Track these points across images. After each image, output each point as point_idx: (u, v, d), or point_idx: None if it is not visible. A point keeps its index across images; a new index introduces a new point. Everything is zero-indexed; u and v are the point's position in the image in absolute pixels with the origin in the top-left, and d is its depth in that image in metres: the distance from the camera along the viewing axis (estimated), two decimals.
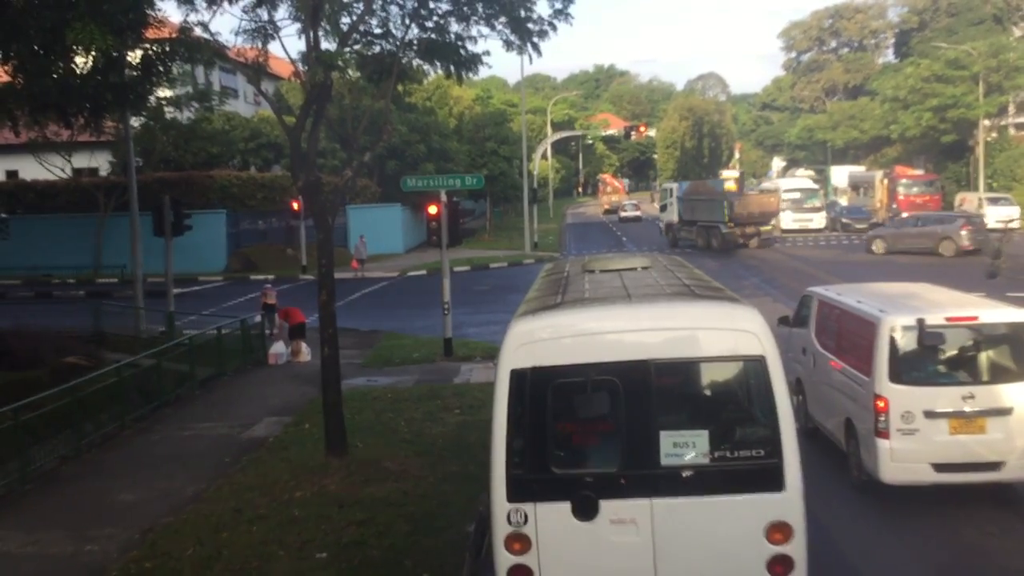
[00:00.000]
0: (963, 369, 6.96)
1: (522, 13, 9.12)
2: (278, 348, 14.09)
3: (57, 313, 16.91)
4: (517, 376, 4.46)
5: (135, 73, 11.54)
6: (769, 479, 4.37)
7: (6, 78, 11.45)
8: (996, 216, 31.60)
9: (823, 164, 53.76)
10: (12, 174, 31.18)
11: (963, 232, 24.06)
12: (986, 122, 40.22)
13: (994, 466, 6.75)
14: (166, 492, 7.99)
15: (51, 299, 22.15)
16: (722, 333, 4.54)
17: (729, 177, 71.07)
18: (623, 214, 48.36)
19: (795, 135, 63.66)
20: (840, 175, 45.53)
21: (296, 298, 17.08)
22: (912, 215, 28.49)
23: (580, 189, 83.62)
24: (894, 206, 34.83)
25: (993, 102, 39.44)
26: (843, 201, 40.76)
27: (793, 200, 36.27)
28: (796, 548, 4.38)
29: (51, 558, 6.67)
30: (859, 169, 46.45)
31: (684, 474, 4.40)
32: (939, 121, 40.47)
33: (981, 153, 39.04)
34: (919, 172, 39.74)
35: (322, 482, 7.85)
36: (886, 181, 36.69)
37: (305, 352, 13.93)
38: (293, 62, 8.98)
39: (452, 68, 9.33)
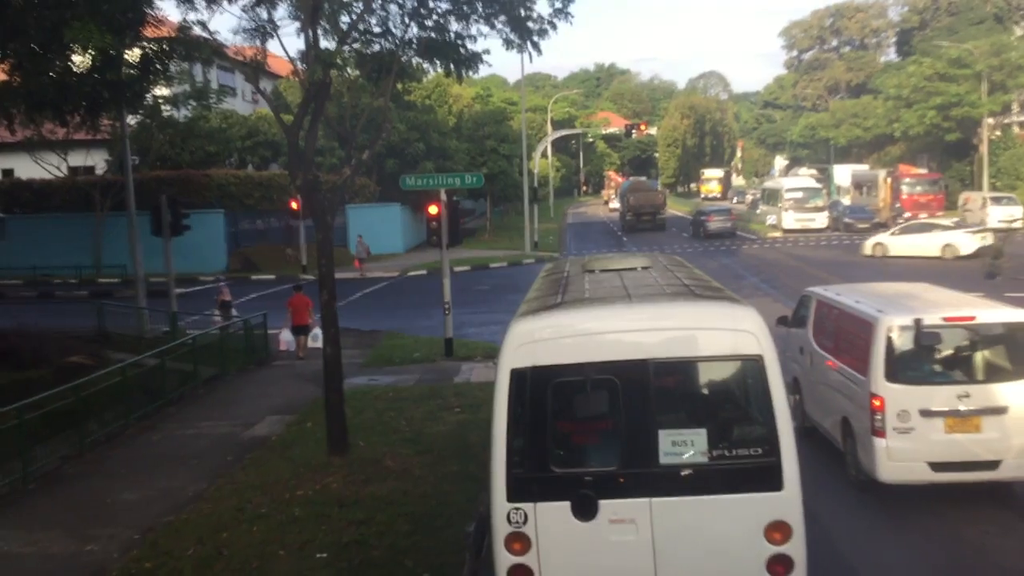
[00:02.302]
0: (959, 368, 6.98)
1: (522, 12, 9.12)
2: (286, 336, 14.52)
3: (59, 313, 16.92)
4: (517, 376, 4.47)
5: (133, 71, 11.54)
6: (767, 478, 4.38)
7: (3, 76, 11.46)
8: (999, 215, 31.50)
9: (826, 162, 53.69)
10: (7, 172, 31.11)
11: (710, 222, 35.43)
12: (990, 120, 40.13)
13: (991, 465, 6.77)
14: (168, 491, 8.01)
15: (53, 299, 22.15)
16: (721, 333, 4.55)
17: (712, 178, 69.73)
18: (611, 205, 58.01)
19: (797, 133, 63.61)
20: (843, 174, 45.34)
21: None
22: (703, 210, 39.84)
23: (584, 188, 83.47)
24: (897, 205, 34.75)
25: (996, 100, 39.34)
26: (846, 200, 40.65)
27: (795, 199, 36.10)
28: (795, 548, 4.39)
29: (52, 558, 6.69)
30: (862, 168, 46.30)
31: (683, 473, 4.42)
32: (942, 119, 40.36)
33: (985, 152, 38.99)
34: (923, 171, 39.68)
35: (324, 481, 7.87)
36: (890, 180, 36.58)
37: (311, 340, 13.98)
38: (292, 60, 8.97)
39: (452, 66, 9.33)
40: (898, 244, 24.69)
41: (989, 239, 23.10)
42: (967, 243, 23.34)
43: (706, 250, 30.53)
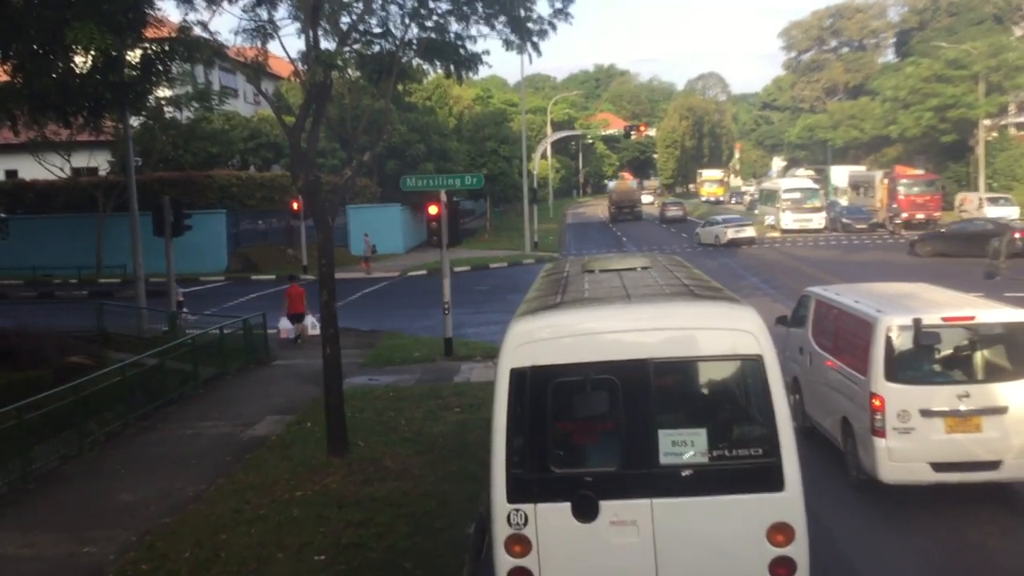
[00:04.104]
0: (959, 368, 6.98)
1: (522, 12, 9.12)
2: (285, 324, 15.60)
3: (60, 313, 16.91)
4: (517, 376, 4.46)
5: (135, 72, 11.55)
6: (768, 479, 4.37)
7: (5, 77, 11.46)
8: (995, 216, 31.57)
9: (823, 164, 53.77)
10: (11, 174, 31.16)
11: (667, 211, 46.42)
12: (986, 122, 40.17)
13: (991, 465, 6.77)
14: (167, 492, 7.99)
15: (53, 299, 22.15)
16: (720, 333, 4.55)
17: (712, 179, 67.11)
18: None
19: (795, 135, 63.58)
20: (840, 175, 45.48)
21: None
22: None
23: (585, 189, 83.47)
24: (894, 206, 34.80)
25: (993, 102, 39.39)
26: (843, 201, 40.71)
27: (793, 200, 36.16)
28: (798, 549, 4.37)
29: (49, 559, 6.66)
30: (859, 169, 46.41)
31: (683, 473, 4.40)
32: (939, 121, 40.44)
33: (981, 153, 39.00)
34: (919, 172, 39.69)
35: (323, 481, 7.86)
36: (886, 181, 36.64)
37: (310, 326, 15.20)
38: (293, 62, 8.98)
39: (452, 67, 9.33)
40: (702, 234, 33.40)
41: (748, 231, 31.36)
42: (726, 234, 31.43)
43: (705, 250, 30.62)
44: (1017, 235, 24.58)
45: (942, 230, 27.19)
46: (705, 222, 35.26)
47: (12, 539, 7.03)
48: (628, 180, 67.17)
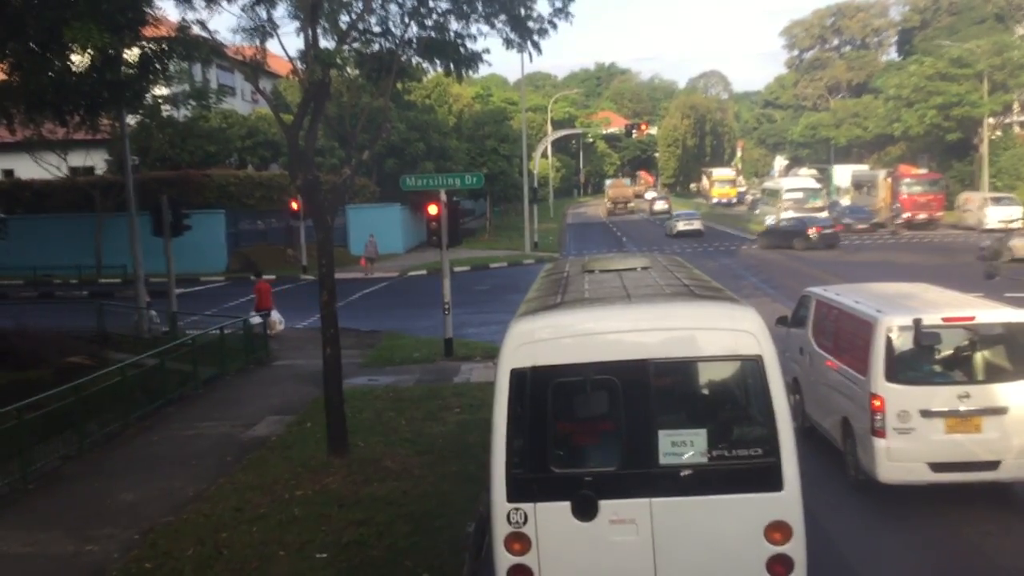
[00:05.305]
0: (959, 369, 6.98)
1: (522, 11, 9.12)
2: (255, 320, 16.12)
3: (60, 313, 16.93)
4: (517, 376, 4.47)
5: (132, 71, 11.54)
6: (767, 478, 4.38)
7: (2, 76, 11.46)
8: (998, 216, 31.46)
9: (826, 163, 53.63)
10: (8, 173, 31.13)
11: (655, 205, 52.44)
12: (990, 120, 40.08)
13: (991, 465, 6.77)
14: (167, 491, 8.01)
15: (53, 299, 22.16)
16: (721, 333, 4.56)
17: (724, 179, 63.61)
18: (647, 196, 69.22)
19: (798, 133, 63.43)
20: (843, 174, 45.35)
21: (297, 298, 17.21)
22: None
23: (587, 188, 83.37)
24: (897, 205, 34.76)
25: (997, 100, 39.31)
26: (845, 200, 40.66)
27: (795, 200, 36.09)
28: (795, 548, 4.39)
29: (52, 558, 6.69)
30: (862, 168, 46.29)
31: (683, 473, 4.42)
32: (943, 119, 40.35)
33: (985, 152, 38.94)
34: (923, 171, 39.63)
35: (324, 481, 7.87)
36: (889, 180, 36.57)
37: (278, 322, 16.05)
38: (291, 60, 8.96)
39: (452, 66, 9.32)
40: (666, 227, 38.87)
41: (696, 224, 36.31)
42: (676, 226, 36.70)
43: (705, 250, 30.61)
44: (812, 231, 28.65)
45: (769, 228, 32.89)
46: (669, 216, 41.58)
47: (16, 537, 7.06)
48: (624, 181, 66.59)
